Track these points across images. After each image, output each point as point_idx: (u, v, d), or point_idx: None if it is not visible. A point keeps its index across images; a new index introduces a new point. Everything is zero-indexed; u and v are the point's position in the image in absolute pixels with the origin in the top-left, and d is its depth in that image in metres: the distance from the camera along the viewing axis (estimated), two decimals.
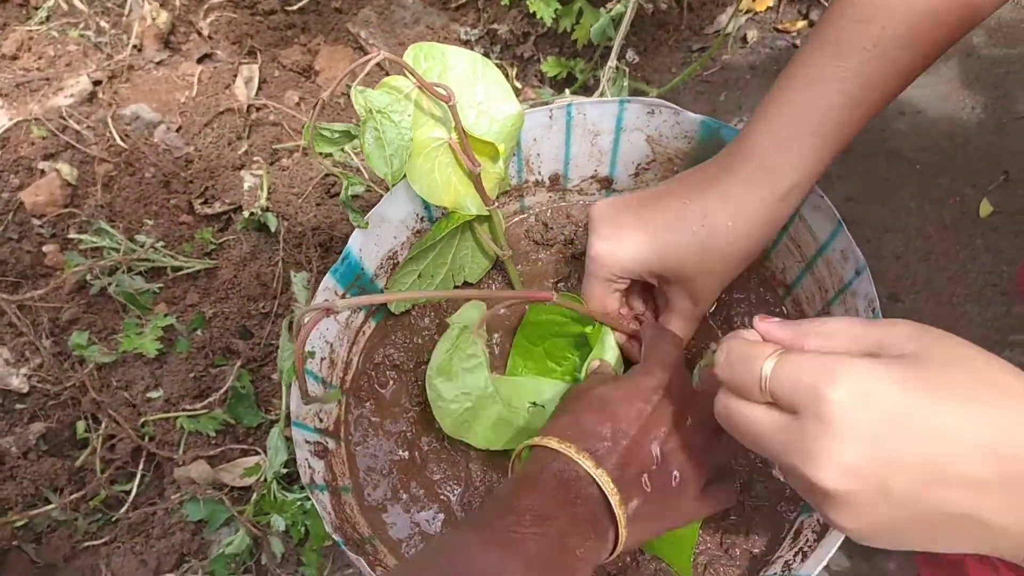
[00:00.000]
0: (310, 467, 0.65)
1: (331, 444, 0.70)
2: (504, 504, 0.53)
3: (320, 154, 0.68)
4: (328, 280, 0.68)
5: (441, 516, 0.70)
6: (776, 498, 0.69)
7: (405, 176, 0.68)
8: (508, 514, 0.51)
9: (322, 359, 0.70)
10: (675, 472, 0.57)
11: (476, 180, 0.69)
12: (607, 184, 0.81)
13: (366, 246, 0.71)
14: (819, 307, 0.72)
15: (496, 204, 0.72)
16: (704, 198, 0.61)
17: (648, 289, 0.71)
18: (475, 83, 0.68)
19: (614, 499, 0.53)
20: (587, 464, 0.53)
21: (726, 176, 0.61)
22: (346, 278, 0.70)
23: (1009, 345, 0.92)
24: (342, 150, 1.01)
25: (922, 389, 0.39)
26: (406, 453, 0.72)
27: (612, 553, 0.55)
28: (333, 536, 0.62)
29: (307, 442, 0.66)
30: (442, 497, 0.70)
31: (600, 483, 0.53)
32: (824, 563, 0.58)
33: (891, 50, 0.55)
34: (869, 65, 0.56)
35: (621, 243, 0.64)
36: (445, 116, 0.67)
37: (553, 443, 0.55)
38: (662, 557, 0.68)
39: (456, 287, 0.77)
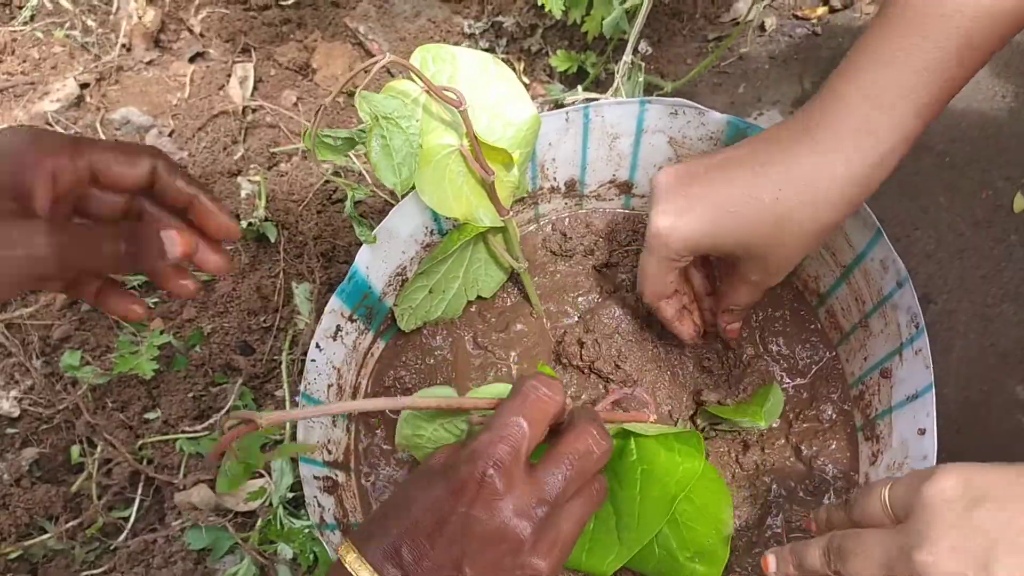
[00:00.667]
0: (319, 505, 0.61)
1: (340, 477, 0.66)
2: None
3: (322, 161, 0.63)
4: (335, 302, 0.63)
5: None
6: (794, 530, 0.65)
7: (414, 186, 0.63)
8: None
9: (328, 386, 0.65)
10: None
11: (490, 189, 0.65)
12: (627, 189, 0.76)
13: (373, 263, 0.66)
14: (856, 319, 0.68)
15: (511, 214, 0.67)
16: (780, 166, 0.54)
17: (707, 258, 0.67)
18: (487, 86, 0.63)
19: None
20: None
21: (807, 139, 0.53)
22: (353, 298, 0.65)
23: None
24: (344, 154, 0.96)
25: (1017, 479, 0.43)
26: None
27: None
28: None
29: (316, 478, 0.62)
30: None
31: None
32: None
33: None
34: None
35: (686, 218, 0.57)
36: (455, 121, 0.62)
37: (351, 557, 0.46)
38: None
39: (470, 302, 0.73)
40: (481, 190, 0.65)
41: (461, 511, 0.45)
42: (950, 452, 0.85)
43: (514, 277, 0.74)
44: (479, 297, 0.73)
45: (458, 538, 0.45)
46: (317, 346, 0.63)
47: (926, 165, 0.97)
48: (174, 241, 0.48)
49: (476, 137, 0.62)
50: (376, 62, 0.58)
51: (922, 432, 0.60)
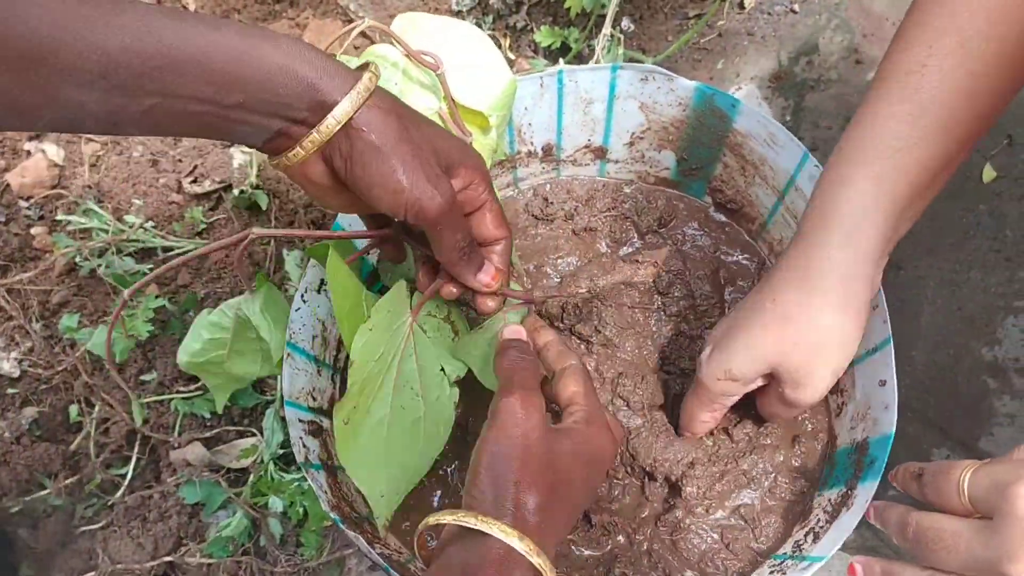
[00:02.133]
0: (304, 446, 0.64)
1: (325, 423, 0.69)
2: None
3: None
4: None
5: (439, 490, 0.69)
6: (788, 494, 0.67)
7: None
8: None
9: (314, 337, 0.68)
10: (568, 489, 0.51)
11: None
12: (601, 154, 0.79)
13: (355, 220, 0.69)
14: None
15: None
16: (794, 331, 0.56)
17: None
18: (464, 51, 0.66)
19: (536, 560, 0.46)
20: (496, 532, 0.46)
21: (811, 299, 0.56)
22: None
23: (1013, 311, 0.90)
24: None
25: None
26: None
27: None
28: (330, 515, 0.61)
29: (301, 421, 0.65)
30: (439, 471, 0.69)
31: (524, 552, 0.46)
32: (839, 545, 0.57)
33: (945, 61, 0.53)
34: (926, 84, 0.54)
35: (713, 354, 0.60)
36: (434, 85, 0.65)
37: (471, 520, 0.46)
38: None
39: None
40: None
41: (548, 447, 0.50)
42: (918, 412, 0.88)
43: None
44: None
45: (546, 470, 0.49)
46: (302, 298, 0.66)
47: None
48: (489, 272, 0.57)
49: (453, 100, 0.65)
50: (356, 26, 0.61)
51: (883, 383, 0.63)
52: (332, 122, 0.47)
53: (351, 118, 0.47)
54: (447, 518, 0.47)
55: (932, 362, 0.91)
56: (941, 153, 0.54)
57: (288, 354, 0.64)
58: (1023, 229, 0.94)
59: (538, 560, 0.45)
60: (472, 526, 0.45)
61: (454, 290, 0.59)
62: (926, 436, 0.88)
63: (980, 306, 0.92)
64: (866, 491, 0.59)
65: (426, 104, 0.65)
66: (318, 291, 0.68)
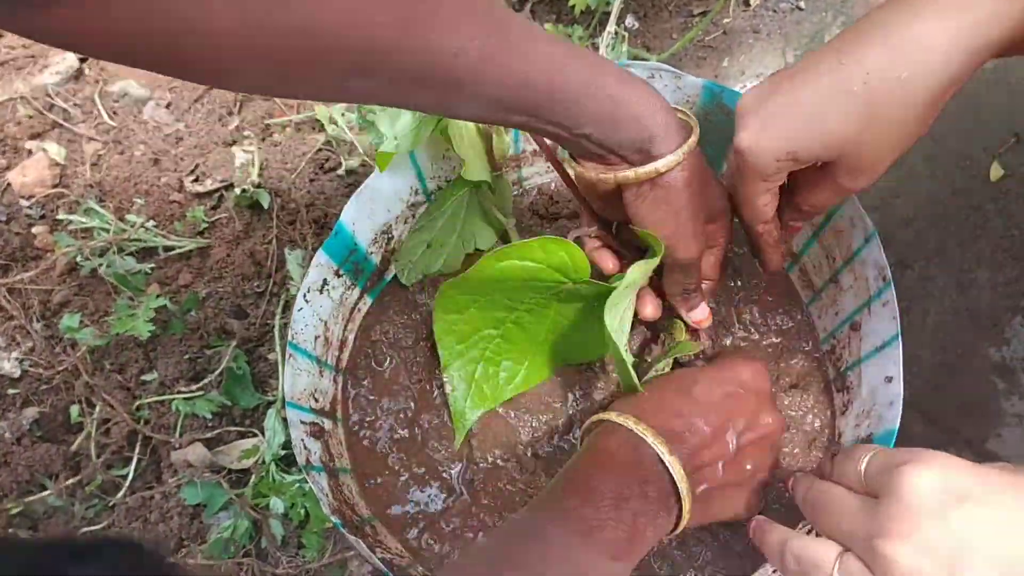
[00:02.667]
0: (305, 448, 0.63)
1: (327, 424, 0.68)
2: (580, 486, 0.54)
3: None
4: (321, 256, 0.66)
5: (443, 495, 0.68)
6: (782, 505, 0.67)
7: (400, 150, 0.66)
8: (586, 501, 0.52)
9: (316, 337, 0.68)
10: (748, 465, 0.59)
11: (488, 142, 0.67)
12: None
13: (359, 220, 0.68)
14: (827, 276, 0.70)
15: (503, 171, 0.70)
16: (866, 48, 0.48)
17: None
18: None
19: (682, 485, 0.54)
20: (661, 449, 0.54)
21: (898, 14, 0.48)
22: (339, 253, 0.68)
23: (1021, 311, 0.90)
24: (334, 123, 0.99)
25: (998, 483, 0.43)
26: (406, 431, 0.70)
27: (673, 531, 0.56)
28: (331, 518, 0.61)
29: (302, 423, 0.64)
30: (443, 475, 0.69)
31: (672, 470, 0.54)
32: None
33: None
34: None
35: (770, 130, 0.52)
36: None
37: (630, 422, 0.55)
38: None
39: (468, 255, 0.75)
40: (480, 143, 0.68)
41: (740, 392, 0.59)
42: (926, 412, 0.87)
43: (501, 237, 0.76)
44: (477, 250, 0.75)
45: (734, 417, 0.58)
46: (304, 298, 0.65)
47: None
48: (704, 313, 0.65)
49: None
50: None
51: (889, 380, 0.62)
52: (651, 170, 0.54)
53: (665, 172, 0.54)
54: (633, 425, 0.55)
55: (940, 362, 0.90)
56: None
57: (290, 355, 0.64)
58: None
59: (687, 499, 0.54)
60: (630, 427, 0.55)
61: (657, 314, 0.65)
62: (933, 437, 0.87)
63: (988, 306, 0.91)
64: None
65: None
66: (320, 291, 0.67)
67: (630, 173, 0.55)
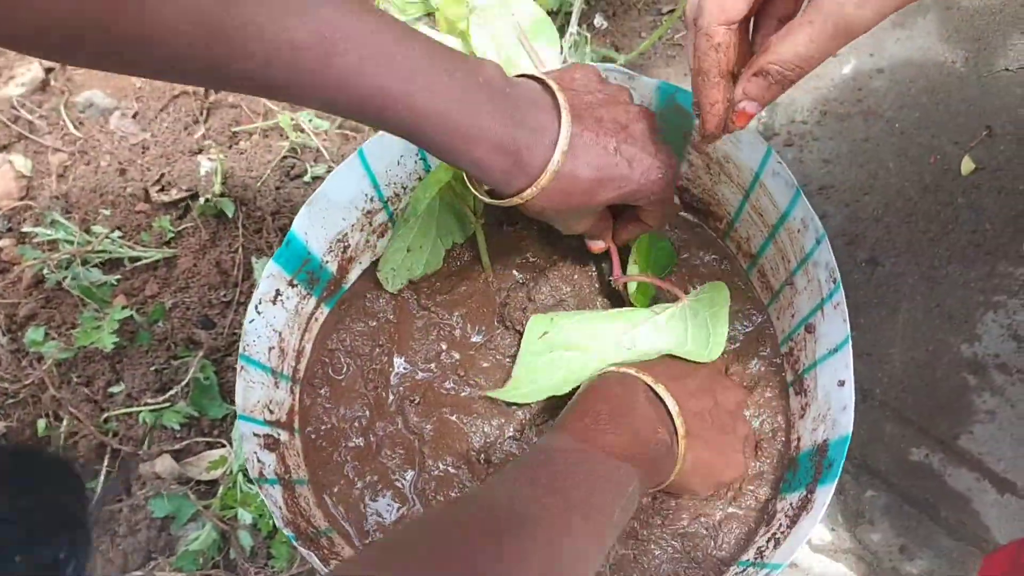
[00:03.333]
0: (259, 461, 0.63)
1: (283, 436, 0.68)
2: (578, 408, 0.59)
3: None
4: (272, 267, 0.65)
5: (396, 504, 0.68)
6: (751, 500, 0.66)
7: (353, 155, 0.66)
8: (584, 415, 0.57)
9: (270, 348, 0.67)
10: (729, 419, 0.65)
11: None
12: None
13: (312, 229, 0.68)
14: (783, 278, 0.70)
15: None
16: None
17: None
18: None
19: (675, 408, 0.60)
20: (656, 384, 0.60)
21: None
22: (292, 263, 0.67)
23: (993, 306, 0.89)
24: (301, 129, 0.98)
25: None
26: (360, 440, 0.70)
27: (673, 468, 0.60)
28: (284, 531, 0.60)
29: (255, 435, 0.64)
30: (396, 484, 0.68)
31: (666, 400, 0.60)
32: (794, 554, 0.56)
33: None
34: None
35: None
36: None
37: (624, 368, 0.62)
38: None
39: (447, 250, 0.75)
40: None
41: None
42: (897, 410, 0.87)
43: (470, 238, 0.76)
44: (454, 243, 0.75)
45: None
46: (256, 309, 0.65)
47: (876, 132, 0.98)
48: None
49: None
50: None
51: (842, 384, 0.61)
52: (516, 202, 0.57)
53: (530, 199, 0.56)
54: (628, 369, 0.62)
55: (910, 359, 0.89)
56: None
57: (241, 367, 0.63)
58: (1003, 222, 0.92)
59: (679, 421, 0.60)
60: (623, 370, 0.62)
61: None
62: (905, 435, 0.86)
63: (959, 302, 0.90)
64: (824, 494, 0.58)
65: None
66: (273, 302, 0.66)
67: (494, 201, 0.58)
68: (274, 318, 0.67)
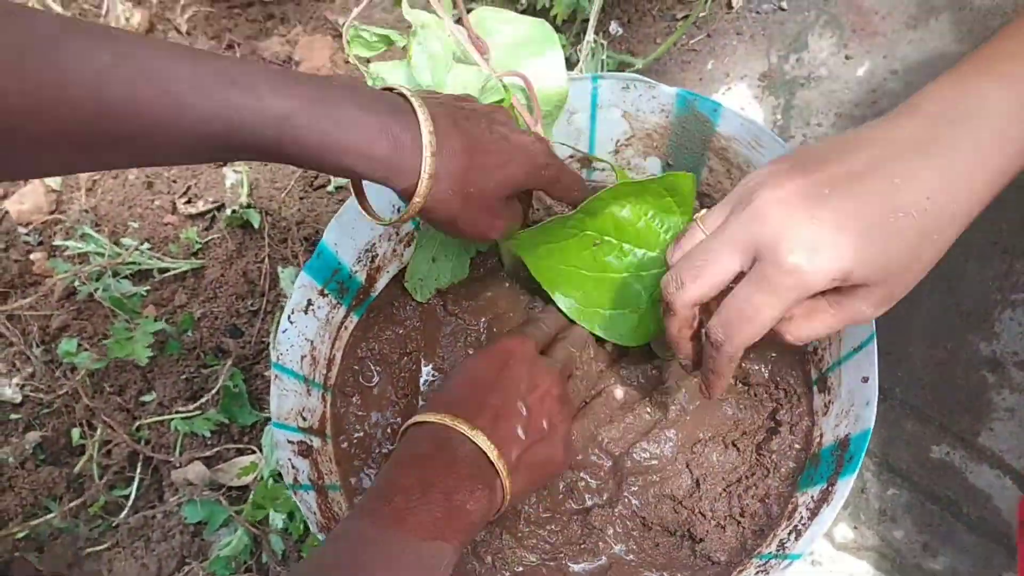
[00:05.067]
0: (293, 467, 0.64)
1: (316, 442, 0.69)
2: (388, 487, 0.54)
3: (355, 57, 0.69)
4: (304, 277, 0.67)
5: None
6: (773, 495, 0.68)
7: None
8: (395, 495, 0.53)
9: (302, 356, 0.69)
10: (544, 422, 0.61)
11: None
12: (587, 163, 0.79)
13: (341, 240, 0.69)
14: None
15: None
16: (921, 176, 0.47)
17: None
18: (527, 48, 0.68)
19: (492, 453, 0.56)
20: (463, 427, 0.56)
21: (941, 144, 0.47)
22: (322, 273, 0.69)
23: (1011, 304, 0.90)
24: (378, 50, 1.00)
25: (795, 168, 0.49)
26: (391, 446, 0.71)
27: (503, 504, 0.58)
28: (318, 536, 0.62)
29: (289, 442, 0.65)
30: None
31: (477, 441, 0.56)
32: (816, 540, 0.57)
33: None
34: None
35: (826, 252, 0.46)
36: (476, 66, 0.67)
37: (430, 417, 0.57)
38: None
39: (472, 259, 0.76)
40: None
41: (512, 362, 0.62)
42: (917, 408, 0.88)
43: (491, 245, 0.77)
44: (478, 252, 0.76)
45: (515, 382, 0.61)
46: (288, 319, 0.67)
47: None
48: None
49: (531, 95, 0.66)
50: None
51: (865, 380, 0.63)
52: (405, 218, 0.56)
53: (427, 195, 0.54)
54: (432, 417, 0.57)
55: (930, 357, 0.90)
56: None
57: (275, 376, 0.65)
58: (1019, 221, 0.93)
59: (501, 464, 0.56)
60: (430, 420, 0.57)
61: None
62: (925, 432, 0.87)
63: (977, 300, 0.91)
64: (845, 486, 0.59)
65: (466, 79, 0.66)
66: (305, 311, 0.68)
67: (397, 220, 0.57)
68: (306, 327, 0.69)
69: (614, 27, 1.07)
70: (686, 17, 1.09)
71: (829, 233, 0.46)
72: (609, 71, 0.99)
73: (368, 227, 0.72)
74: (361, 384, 0.74)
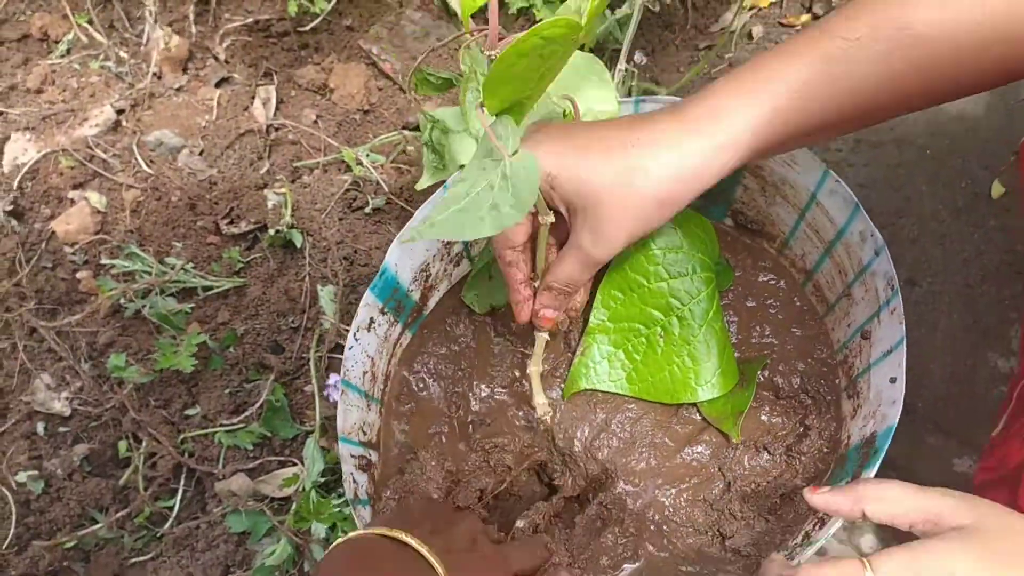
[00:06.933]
0: (354, 481, 0.67)
1: (373, 456, 0.72)
2: None
3: (418, 96, 0.71)
4: (368, 296, 0.70)
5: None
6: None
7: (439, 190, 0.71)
8: None
9: (364, 372, 0.72)
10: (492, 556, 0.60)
11: None
12: None
13: (401, 261, 0.73)
14: (840, 290, 0.74)
15: None
16: (639, 128, 0.55)
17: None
18: (577, 76, 0.70)
19: (422, 548, 0.55)
20: (413, 543, 0.55)
21: (670, 114, 0.55)
22: (384, 293, 0.72)
23: None
24: (360, 163, 1.03)
25: (991, 560, 0.47)
26: (448, 462, 0.74)
27: None
28: None
29: (352, 456, 0.68)
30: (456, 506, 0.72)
31: (432, 563, 0.55)
32: (838, 525, 0.60)
33: (874, 48, 0.51)
34: (861, 60, 0.51)
35: (536, 151, 0.53)
36: None
37: (382, 530, 0.57)
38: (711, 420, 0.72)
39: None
40: None
41: None
42: (937, 424, 0.91)
43: None
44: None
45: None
46: (355, 336, 0.70)
47: (909, 157, 1.03)
48: None
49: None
50: (483, 31, 0.66)
51: (893, 380, 0.65)
52: None
53: None
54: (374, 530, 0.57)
55: (950, 374, 0.93)
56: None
57: (343, 391, 0.68)
58: None
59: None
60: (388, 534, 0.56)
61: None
62: (947, 447, 0.90)
63: (995, 318, 0.95)
64: (868, 476, 0.62)
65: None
66: (368, 329, 0.71)
67: None
68: (368, 344, 0.72)
69: (638, 56, 1.12)
70: (709, 47, 1.13)
71: (547, 140, 0.55)
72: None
73: (424, 247, 0.75)
74: (414, 398, 0.76)
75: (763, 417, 0.72)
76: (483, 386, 0.77)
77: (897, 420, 0.62)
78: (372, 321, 0.71)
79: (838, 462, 0.70)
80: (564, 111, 0.67)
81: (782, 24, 1.14)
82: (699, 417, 0.73)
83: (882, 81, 0.51)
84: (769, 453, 0.71)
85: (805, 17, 1.14)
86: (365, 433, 0.72)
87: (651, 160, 0.53)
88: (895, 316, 0.65)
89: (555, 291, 0.61)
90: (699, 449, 0.72)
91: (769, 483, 0.70)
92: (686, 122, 0.54)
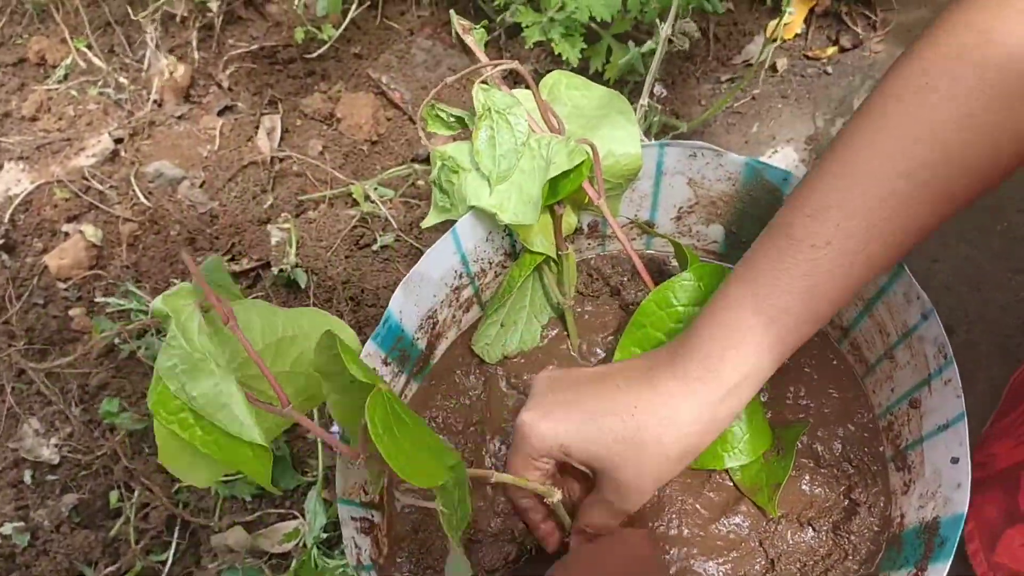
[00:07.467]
0: (356, 546, 0.62)
1: (376, 517, 0.67)
2: None
3: (430, 134, 0.69)
4: (370, 346, 0.65)
5: None
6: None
7: (447, 234, 0.66)
8: None
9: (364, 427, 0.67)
10: None
11: (556, 221, 0.67)
12: (649, 227, 0.78)
13: (406, 307, 0.68)
14: (881, 351, 0.69)
15: (568, 248, 0.70)
16: (638, 389, 0.56)
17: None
18: (600, 115, 0.67)
19: None
20: None
21: (665, 370, 0.56)
22: (387, 342, 0.67)
23: None
24: (369, 199, 0.99)
25: None
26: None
27: None
28: None
29: (353, 519, 0.63)
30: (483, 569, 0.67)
31: None
32: None
33: (848, 243, 0.51)
34: (826, 260, 0.52)
35: (549, 421, 0.57)
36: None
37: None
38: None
39: (543, 326, 0.76)
40: (548, 219, 0.68)
41: None
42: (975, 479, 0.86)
43: (560, 317, 0.76)
44: (550, 319, 0.76)
45: None
46: None
47: None
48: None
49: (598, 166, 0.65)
50: (500, 65, 0.64)
51: (955, 461, 0.61)
52: None
53: None
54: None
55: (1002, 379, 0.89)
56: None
57: (340, 451, 0.63)
58: None
59: None
60: None
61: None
62: None
63: None
64: (937, 572, 0.57)
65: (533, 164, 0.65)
66: None
67: None
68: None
69: (658, 88, 1.07)
70: (730, 79, 1.09)
71: (558, 408, 0.58)
72: (655, 133, 0.99)
73: (431, 293, 0.70)
74: None
75: (804, 487, 0.68)
76: (497, 441, 0.72)
77: (966, 508, 0.57)
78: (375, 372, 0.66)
79: (890, 542, 0.65)
80: (584, 156, 0.63)
81: (807, 57, 1.10)
82: (732, 483, 0.68)
83: (863, 276, 0.54)
84: (814, 530, 0.66)
85: (831, 49, 1.10)
86: (366, 492, 0.67)
87: (660, 428, 0.55)
88: (950, 387, 0.60)
89: (587, 533, 0.62)
90: (736, 520, 0.67)
91: (816, 563, 0.65)
92: (688, 381, 0.55)
